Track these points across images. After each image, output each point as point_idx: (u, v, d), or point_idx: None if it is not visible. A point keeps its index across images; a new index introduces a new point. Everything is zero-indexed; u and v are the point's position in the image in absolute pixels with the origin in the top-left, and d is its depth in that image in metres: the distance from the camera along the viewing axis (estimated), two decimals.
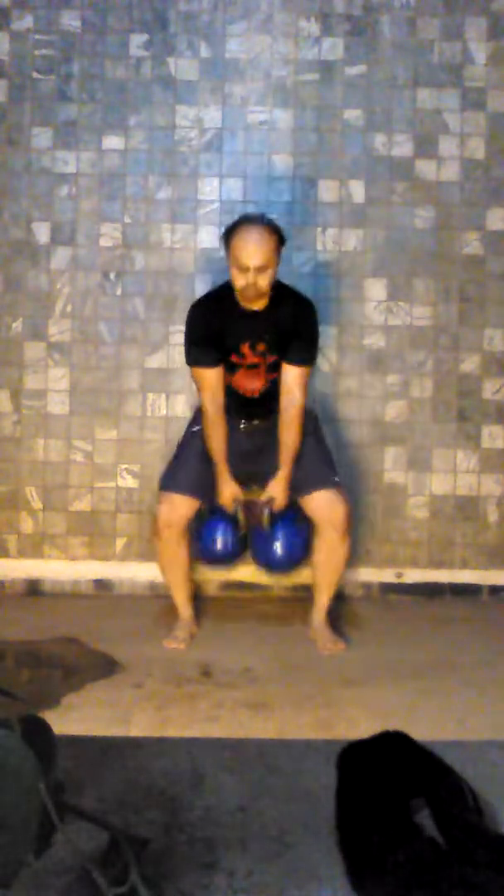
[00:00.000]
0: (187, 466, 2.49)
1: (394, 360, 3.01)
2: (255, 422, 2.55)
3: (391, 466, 3.02)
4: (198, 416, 2.55)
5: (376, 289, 3.00)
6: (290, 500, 2.46)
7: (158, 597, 2.90)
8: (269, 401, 2.48)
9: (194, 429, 2.55)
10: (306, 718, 1.90)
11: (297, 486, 2.45)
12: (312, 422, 2.58)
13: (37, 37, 2.97)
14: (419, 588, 2.98)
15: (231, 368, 2.46)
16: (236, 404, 2.50)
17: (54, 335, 2.99)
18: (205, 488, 2.47)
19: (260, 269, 2.27)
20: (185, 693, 2.05)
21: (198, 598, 2.71)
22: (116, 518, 3.00)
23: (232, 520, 2.47)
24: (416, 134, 3.00)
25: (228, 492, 2.45)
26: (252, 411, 2.54)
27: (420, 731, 1.58)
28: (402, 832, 1.28)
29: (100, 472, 3.00)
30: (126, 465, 3.00)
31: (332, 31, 2.99)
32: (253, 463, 2.52)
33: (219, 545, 2.53)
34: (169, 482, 2.50)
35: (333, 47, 2.99)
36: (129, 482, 2.99)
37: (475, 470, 3.02)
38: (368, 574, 2.99)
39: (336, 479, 2.49)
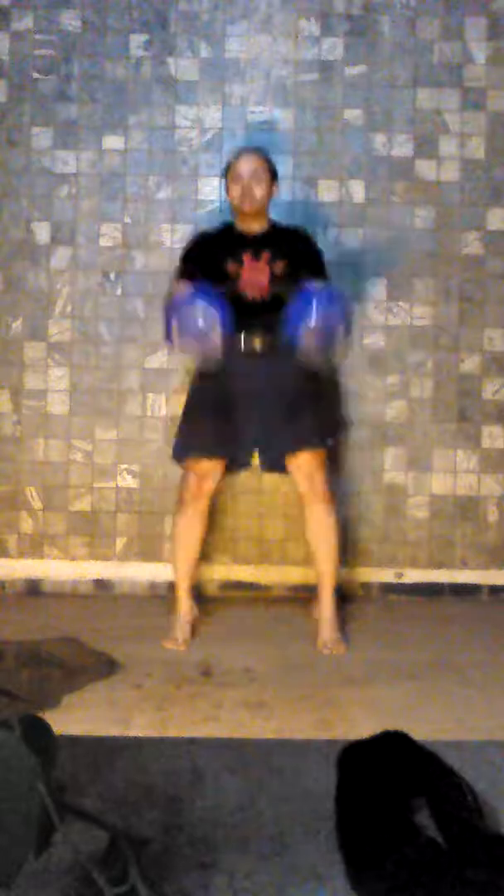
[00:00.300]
0: (201, 426, 2.45)
1: (394, 360, 3.01)
2: (257, 340, 2.42)
3: (391, 466, 3.02)
4: (197, 374, 2.53)
5: (376, 289, 3.00)
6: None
7: (158, 597, 2.90)
8: (271, 312, 2.37)
9: (196, 385, 2.50)
10: (306, 718, 1.90)
11: (287, 440, 2.43)
12: (330, 373, 2.54)
13: (37, 37, 2.97)
14: (419, 588, 2.98)
15: (232, 277, 2.40)
16: (238, 312, 2.32)
17: (54, 335, 2.99)
18: (226, 444, 2.43)
19: (253, 176, 2.42)
20: (185, 693, 2.04)
21: (198, 597, 2.70)
22: (116, 518, 3.00)
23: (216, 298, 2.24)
24: (416, 134, 3.00)
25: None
26: (251, 324, 2.39)
27: (420, 731, 1.58)
28: (402, 832, 1.28)
29: (100, 472, 3.00)
30: (126, 465, 3.00)
31: (332, 31, 2.99)
32: (245, 420, 2.41)
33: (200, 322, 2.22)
34: (189, 447, 2.46)
35: (333, 47, 2.99)
36: (129, 482, 2.99)
37: (475, 470, 3.02)
38: (368, 574, 2.99)
39: (328, 441, 2.48)
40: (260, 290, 2.43)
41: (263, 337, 2.43)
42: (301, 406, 2.44)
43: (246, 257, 2.44)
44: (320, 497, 2.46)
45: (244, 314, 2.36)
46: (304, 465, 2.44)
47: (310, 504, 2.47)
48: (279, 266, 2.44)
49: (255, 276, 2.43)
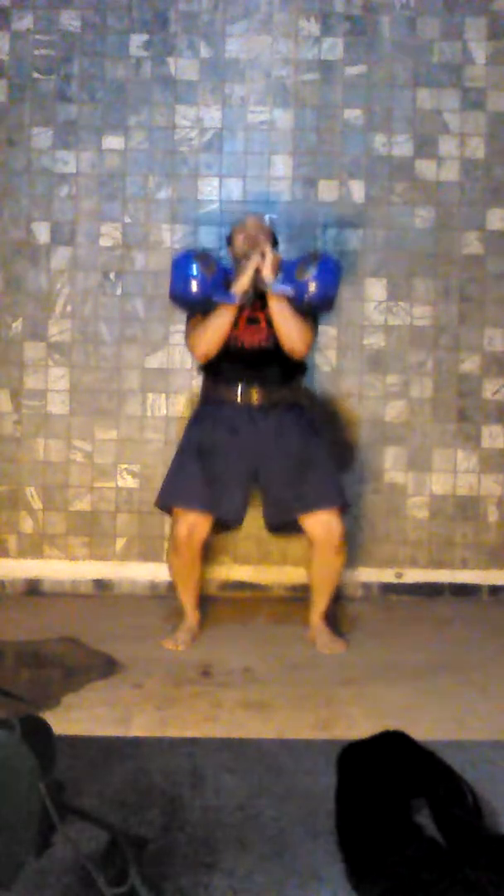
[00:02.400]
0: (191, 477, 2.40)
1: (394, 360, 3.01)
2: (253, 391, 2.44)
3: (391, 466, 3.02)
4: (195, 411, 2.56)
5: (376, 289, 3.00)
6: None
7: (158, 597, 2.90)
8: (272, 363, 2.43)
9: (192, 431, 2.49)
10: (306, 718, 1.90)
11: (301, 500, 2.40)
12: (313, 425, 2.55)
13: (37, 37, 2.97)
14: (419, 588, 2.98)
15: (233, 326, 2.41)
16: (236, 365, 2.43)
17: (54, 335, 2.99)
18: (216, 500, 2.39)
19: (258, 228, 2.48)
20: (185, 693, 2.04)
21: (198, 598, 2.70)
22: (116, 518, 3.00)
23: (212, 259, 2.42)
24: (416, 134, 3.00)
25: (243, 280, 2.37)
26: (251, 373, 2.44)
27: (420, 731, 1.58)
28: (402, 832, 1.28)
29: (100, 472, 3.00)
30: (126, 465, 3.00)
31: (332, 31, 2.99)
32: (253, 465, 2.43)
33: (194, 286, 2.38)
34: (175, 496, 2.43)
35: (333, 47, 2.99)
36: (129, 482, 2.99)
37: (475, 470, 3.02)
38: (368, 574, 2.99)
39: (342, 497, 2.44)
40: (259, 343, 2.44)
41: (262, 388, 2.44)
42: (312, 463, 2.42)
43: (245, 312, 2.43)
44: (335, 547, 2.40)
45: (243, 364, 2.44)
46: (325, 521, 2.39)
47: (322, 549, 2.41)
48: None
49: (253, 335, 2.44)
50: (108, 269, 2.99)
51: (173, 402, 2.99)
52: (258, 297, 2.42)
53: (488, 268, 3.01)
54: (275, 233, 2.58)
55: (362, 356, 3.01)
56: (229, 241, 2.57)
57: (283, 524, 2.47)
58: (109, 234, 2.99)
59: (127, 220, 2.99)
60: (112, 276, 2.99)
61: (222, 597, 2.93)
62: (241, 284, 2.36)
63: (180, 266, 2.40)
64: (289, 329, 2.38)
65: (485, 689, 2.10)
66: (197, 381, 2.78)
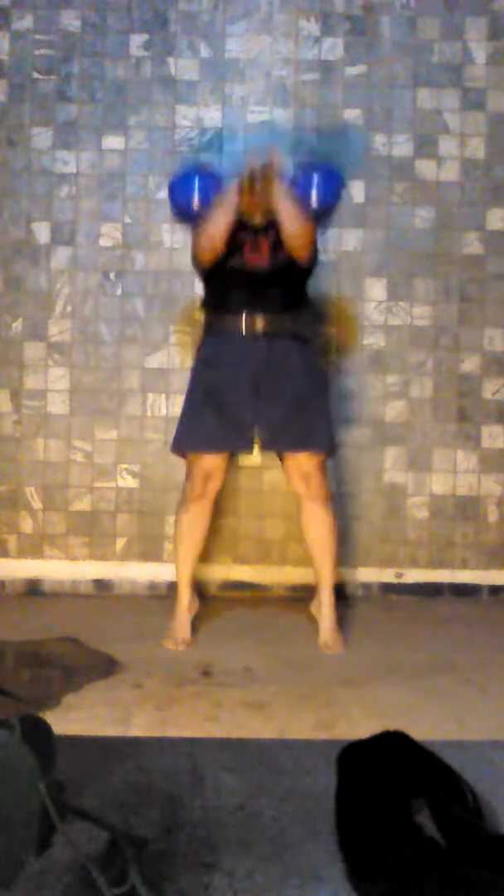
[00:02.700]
0: (204, 418, 2.38)
1: (394, 360, 3.01)
2: (257, 319, 2.38)
3: (391, 466, 3.02)
4: (200, 346, 2.49)
5: (376, 289, 3.00)
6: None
7: (158, 597, 2.90)
8: (276, 285, 2.38)
9: (199, 371, 2.44)
10: (306, 718, 1.89)
11: (287, 437, 2.39)
12: (314, 355, 2.49)
13: (37, 37, 2.98)
14: (419, 588, 2.98)
15: (236, 247, 2.37)
16: (238, 291, 2.38)
17: (54, 335, 2.99)
18: (229, 435, 2.38)
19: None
20: (185, 693, 2.04)
21: (198, 598, 2.70)
22: (116, 518, 3.00)
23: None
24: (416, 134, 3.00)
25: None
26: (254, 301, 2.38)
27: (420, 731, 1.58)
28: (402, 832, 1.28)
29: (100, 472, 3.00)
30: (126, 465, 3.00)
31: (332, 31, 2.99)
32: (256, 395, 2.37)
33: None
34: (191, 440, 2.41)
35: (333, 47, 2.99)
36: (129, 482, 2.99)
37: (475, 470, 3.02)
38: (368, 574, 2.99)
39: (327, 444, 2.44)
40: (260, 262, 2.37)
41: (266, 316, 2.37)
42: (308, 403, 2.39)
43: (246, 234, 2.39)
44: (317, 496, 2.42)
45: (246, 289, 2.37)
46: (304, 464, 2.41)
47: (306, 502, 2.44)
48: (275, 234, 2.38)
49: (255, 255, 2.38)
50: (108, 269, 2.99)
51: (173, 402, 2.99)
52: (261, 230, 2.39)
53: (488, 268, 3.01)
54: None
55: (362, 356, 3.01)
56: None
57: (277, 447, 2.45)
58: (109, 234, 2.99)
59: (127, 220, 2.99)
60: (112, 276, 2.99)
61: (222, 597, 2.93)
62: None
63: (181, 182, 2.44)
64: (290, 213, 2.33)
65: (485, 689, 2.10)
66: None
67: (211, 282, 2.47)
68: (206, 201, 2.39)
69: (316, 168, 2.48)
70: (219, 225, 2.34)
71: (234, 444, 2.41)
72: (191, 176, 2.45)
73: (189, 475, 2.44)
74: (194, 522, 2.45)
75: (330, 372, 2.63)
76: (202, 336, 2.51)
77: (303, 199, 2.39)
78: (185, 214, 2.47)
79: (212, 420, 2.37)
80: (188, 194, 2.43)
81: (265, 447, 2.42)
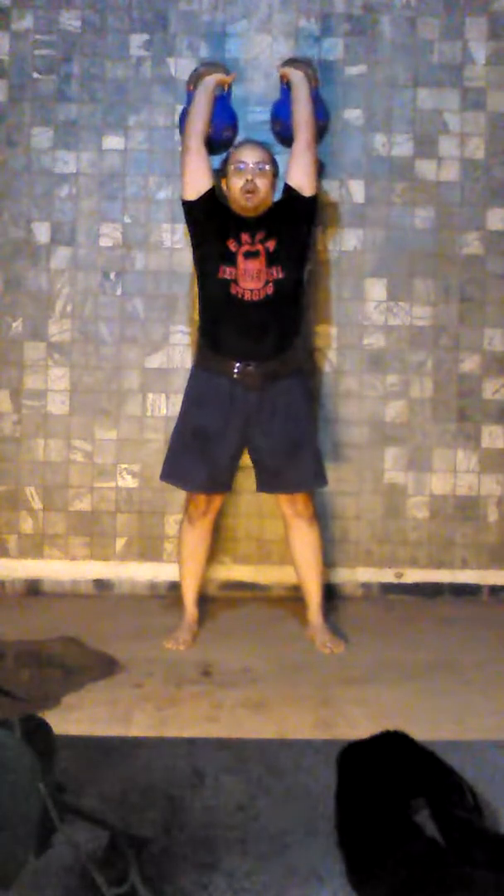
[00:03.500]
0: (193, 458, 2.44)
1: (394, 360, 3.01)
2: (250, 368, 2.41)
3: (391, 466, 3.02)
4: (191, 378, 2.53)
5: (376, 289, 3.00)
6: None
7: (158, 597, 2.90)
8: (270, 325, 2.40)
9: (189, 408, 2.49)
10: (306, 718, 1.90)
11: (280, 480, 2.46)
12: (306, 390, 2.57)
13: (37, 37, 2.97)
14: (419, 588, 2.98)
15: (230, 259, 2.39)
16: (233, 332, 2.41)
17: (54, 335, 2.99)
18: (214, 479, 2.45)
19: (258, 165, 2.41)
20: (185, 693, 2.05)
21: (198, 598, 2.70)
22: (116, 518, 3.00)
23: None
24: (416, 134, 3.00)
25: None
26: (249, 346, 2.41)
27: (420, 731, 1.58)
28: (402, 832, 1.28)
29: (100, 472, 3.00)
30: (126, 465, 3.00)
31: (332, 31, 2.99)
32: (245, 436, 2.44)
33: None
34: (183, 479, 2.49)
35: (333, 47, 2.99)
36: (129, 482, 2.99)
37: (475, 470, 3.02)
38: (368, 574, 2.99)
39: (319, 480, 2.51)
40: (255, 294, 2.41)
41: (260, 362, 2.41)
42: (300, 444, 2.45)
43: (244, 236, 2.41)
44: (303, 514, 2.50)
45: (240, 329, 2.41)
46: (295, 499, 2.50)
47: (292, 520, 2.52)
48: (273, 244, 2.41)
49: (250, 279, 2.39)
50: (108, 269, 2.99)
51: (173, 402, 2.98)
52: (256, 227, 2.42)
53: (488, 268, 3.01)
54: (276, 162, 2.50)
55: (362, 356, 3.01)
56: (223, 166, 2.50)
57: (272, 488, 2.53)
58: (109, 234, 2.99)
59: (127, 220, 2.99)
60: (112, 276, 2.99)
61: (222, 597, 2.93)
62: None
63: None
64: (307, 114, 2.45)
65: (485, 689, 2.10)
66: None
67: (206, 308, 2.50)
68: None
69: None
70: (197, 121, 2.44)
71: (214, 488, 2.48)
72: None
73: (189, 503, 2.54)
74: (199, 541, 2.54)
75: (314, 400, 2.68)
76: (195, 365, 2.56)
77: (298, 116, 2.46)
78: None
79: (197, 462, 2.44)
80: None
81: (259, 489, 2.53)
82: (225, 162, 2.52)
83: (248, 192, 2.40)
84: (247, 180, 2.40)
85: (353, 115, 2.99)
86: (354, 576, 2.97)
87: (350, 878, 1.25)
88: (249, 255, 2.40)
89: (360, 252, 3.00)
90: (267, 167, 2.44)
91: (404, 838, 1.26)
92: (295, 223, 2.45)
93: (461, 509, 3.02)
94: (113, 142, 2.98)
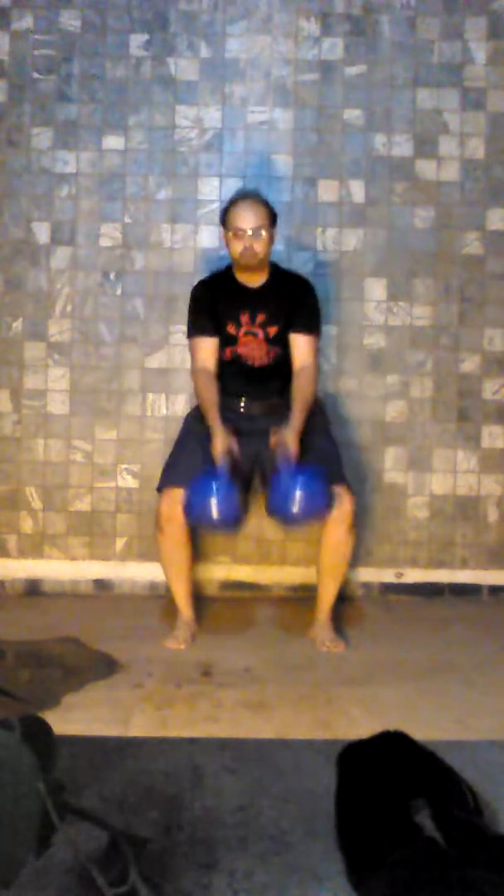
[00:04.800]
0: (184, 459, 2.46)
1: (394, 360, 3.01)
2: (255, 404, 2.53)
3: (391, 466, 3.02)
4: (197, 409, 2.57)
5: (376, 289, 3.00)
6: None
7: (158, 597, 2.90)
8: (272, 378, 2.49)
9: (191, 420, 2.54)
10: (306, 718, 1.90)
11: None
12: (322, 417, 2.60)
13: (37, 37, 2.97)
14: (419, 588, 2.98)
15: (231, 341, 2.48)
16: (238, 379, 2.51)
17: (54, 335, 2.99)
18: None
19: (255, 232, 2.41)
20: (185, 693, 2.04)
21: (198, 598, 2.70)
22: (116, 518, 3.00)
23: (225, 477, 2.27)
24: (416, 134, 3.00)
25: (221, 443, 2.33)
26: (253, 389, 2.52)
27: (420, 731, 1.58)
28: (402, 832, 1.28)
29: (100, 472, 3.00)
30: (126, 465, 3.00)
31: (332, 31, 2.99)
32: (248, 460, 2.47)
33: (213, 510, 2.25)
34: (166, 478, 2.47)
35: (333, 47, 2.99)
36: (129, 482, 2.99)
37: (475, 470, 3.02)
38: (368, 574, 2.99)
39: (344, 475, 2.50)
40: (259, 361, 2.51)
41: (264, 401, 2.53)
42: (313, 446, 2.41)
43: (244, 317, 2.48)
44: (344, 521, 2.39)
45: (245, 379, 2.51)
46: (337, 493, 2.38)
47: (331, 525, 2.39)
48: (273, 330, 2.49)
49: (251, 350, 2.49)
50: (108, 269, 2.99)
51: (173, 402, 2.99)
52: (256, 304, 2.47)
53: (488, 268, 3.01)
54: (273, 213, 2.49)
55: (362, 356, 3.01)
56: (222, 221, 2.49)
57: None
58: (109, 234, 2.99)
59: (127, 220, 2.99)
60: (112, 276, 2.99)
61: (222, 597, 2.93)
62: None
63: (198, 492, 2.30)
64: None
65: (485, 690, 2.10)
66: None
67: None
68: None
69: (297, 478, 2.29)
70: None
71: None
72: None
73: (158, 507, 2.44)
74: (174, 545, 2.45)
75: (325, 412, 2.67)
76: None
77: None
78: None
79: (199, 462, 2.38)
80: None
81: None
82: (224, 214, 2.49)
83: (248, 256, 2.44)
84: (245, 247, 2.43)
85: (353, 115, 2.99)
86: (354, 576, 2.96)
87: (350, 878, 1.25)
88: (249, 333, 2.50)
89: (360, 252, 3.00)
90: (263, 232, 2.44)
91: (404, 838, 1.26)
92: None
93: (461, 509, 3.02)
94: (113, 142, 2.98)
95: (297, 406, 2.41)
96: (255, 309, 2.50)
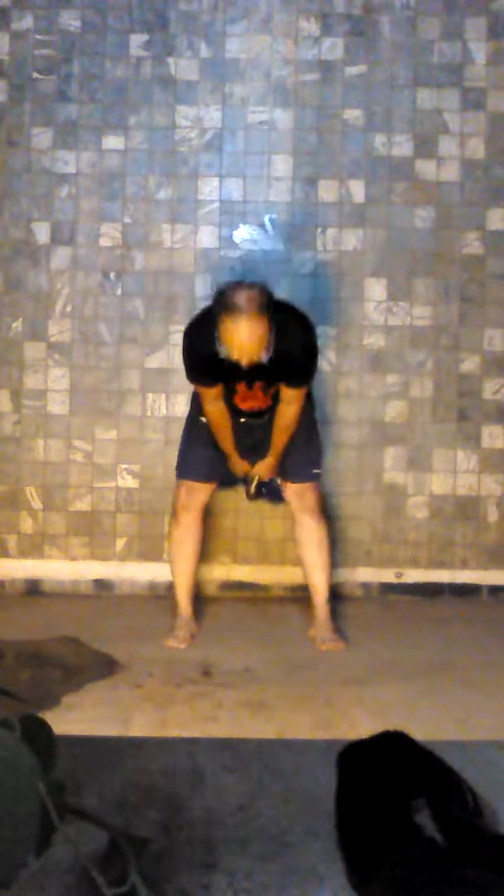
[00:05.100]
0: (199, 453, 2.53)
1: (394, 360, 3.01)
2: (255, 421, 2.56)
3: (391, 466, 3.02)
4: (197, 398, 2.54)
5: (376, 289, 3.00)
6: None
7: (158, 597, 2.90)
8: (269, 412, 2.51)
9: (201, 419, 2.52)
10: (306, 718, 1.90)
11: (281, 473, 2.54)
12: (308, 402, 2.55)
13: (37, 37, 2.97)
14: (419, 588, 2.98)
15: (229, 392, 2.43)
16: (237, 413, 2.52)
17: (54, 335, 2.99)
18: (219, 471, 2.54)
19: (253, 340, 2.14)
20: (185, 693, 2.04)
21: (198, 598, 2.70)
22: (116, 518, 3.00)
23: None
24: (416, 134, 3.00)
25: (240, 470, 2.56)
26: (251, 417, 2.55)
27: (420, 731, 1.58)
28: (402, 832, 1.28)
29: (100, 472, 2.99)
30: (126, 465, 3.00)
31: (332, 31, 2.99)
32: (248, 456, 2.55)
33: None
34: (185, 470, 2.56)
35: (333, 47, 2.99)
36: (129, 482, 2.99)
37: (475, 470, 3.02)
38: (368, 574, 2.99)
39: (316, 471, 2.56)
40: (255, 408, 2.47)
41: (255, 419, 2.52)
42: (294, 443, 2.49)
43: (240, 386, 2.39)
44: (310, 510, 2.52)
45: (240, 414, 2.49)
46: (300, 489, 2.54)
47: (299, 515, 2.54)
48: (272, 390, 2.43)
49: (248, 403, 2.45)
50: (108, 269, 2.99)
51: (173, 402, 2.98)
52: (252, 377, 2.35)
53: (488, 268, 3.01)
54: (269, 303, 2.17)
55: (362, 356, 3.01)
56: (216, 311, 2.17)
57: (272, 494, 2.61)
58: (109, 234, 2.99)
59: (127, 220, 2.99)
60: (112, 276, 2.99)
61: (222, 597, 2.93)
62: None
63: None
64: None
65: (485, 690, 2.10)
66: None
67: None
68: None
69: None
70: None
71: (221, 477, 2.58)
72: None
73: (177, 490, 2.57)
74: (185, 537, 2.53)
75: (312, 398, 2.62)
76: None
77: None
78: None
79: (206, 455, 2.52)
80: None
81: (265, 493, 2.61)
82: (218, 308, 2.17)
83: (244, 360, 2.18)
84: (241, 355, 2.16)
85: (353, 115, 2.99)
86: (354, 576, 2.97)
87: (350, 878, 1.25)
88: (248, 395, 2.43)
89: (360, 252, 3.00)
90: (262, 335, 2.15)
91: (404, 838, 1.26)
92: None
93: (461, 509, 3.02)
94: (113, 142, 2.98)
95: (275, 444, 2.48)
96: (253, 378, 2.36)
